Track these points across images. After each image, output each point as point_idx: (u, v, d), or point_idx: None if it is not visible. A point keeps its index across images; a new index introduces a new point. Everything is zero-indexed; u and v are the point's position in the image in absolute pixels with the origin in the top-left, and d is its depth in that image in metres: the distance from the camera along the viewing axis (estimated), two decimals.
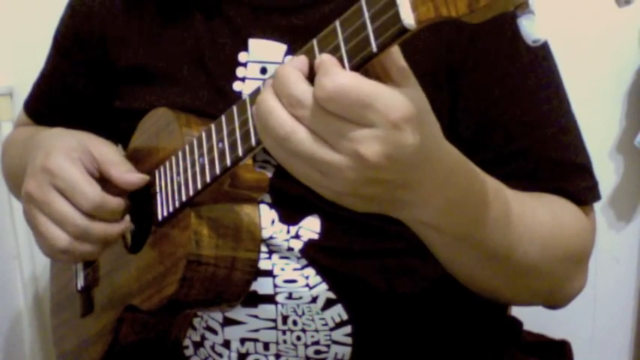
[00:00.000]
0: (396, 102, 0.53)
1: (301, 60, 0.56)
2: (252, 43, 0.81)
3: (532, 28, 0.48)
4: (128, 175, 0.81)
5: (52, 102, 1.01)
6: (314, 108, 0.53)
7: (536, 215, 0.74)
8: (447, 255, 0.72)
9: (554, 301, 0.81)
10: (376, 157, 0.53)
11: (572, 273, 0.79)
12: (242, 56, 0.81)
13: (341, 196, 0.58)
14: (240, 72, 0.81)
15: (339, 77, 0.52)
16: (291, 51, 0.79)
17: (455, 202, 0.63)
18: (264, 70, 0.80)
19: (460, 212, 0.64)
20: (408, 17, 0.50)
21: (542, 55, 0.81)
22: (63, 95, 0.99)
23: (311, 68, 0.56)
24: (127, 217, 0.82)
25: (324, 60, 0.54)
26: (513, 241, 0.70)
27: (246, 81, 0.81)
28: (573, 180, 0.79)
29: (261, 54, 0.80)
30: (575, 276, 0.79)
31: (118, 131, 0.91)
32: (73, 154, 0.79)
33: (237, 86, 0.81)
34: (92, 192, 0.77)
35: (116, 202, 0.79)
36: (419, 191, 0.59)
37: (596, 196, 0.81)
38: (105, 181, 0.80)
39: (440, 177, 0.60)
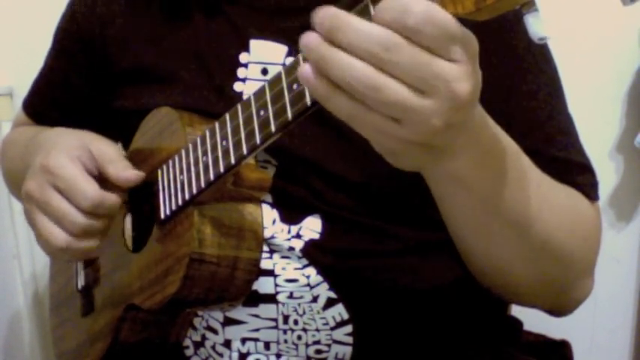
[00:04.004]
0: (470, 33, 0.51)
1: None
2: (254, 43, 0.81)
3: (538, 26, 0.48)
4: (124, 173, 0.80)
5: (50, 102, 1.01)
6: (398, 45, 0.50)
7: (554, 187, 0.74)
8: (470, 225, 0.72)
9: (562, 305, 0.81)
10: (469, 96, 0.51)
11: (585, 266, 0.79)
12: (243, 57, 0.81)
13: (407, 147, 0.55)
14: (241, 73, 0.81)
15: (425, 3, 0.49)
16: (292, 52, 0.79)
17: (485, 153, 0.63)
18: (265, 71, 0.80)
19: (489, 166, 0.64)
20: None
21: (541, 55, 0.81)
22: (62, 95, 0.98)
23: None
24: (122, 212, 0.82)
25: None
26: (533, 209, 0.70)
27: (247, 82, 0.81)
28: (578, 176, 0.79)
29: (262, 55, 0.80)
30: (585, 274, 0.80)
31: (118, 131, 0.91)
32: (73, 153, 0.79)
33: (238, 87, 0.81)
34: (91, 190, 0.77)
35: (115, 199, 0.79)
36: (462, 137, 0.58)
37: (598, 196, 0.82)
38: (104, 180, 0.80)
39: (477, 125, 0.60)
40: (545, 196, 0.72)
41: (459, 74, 0.51)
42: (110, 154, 0.82)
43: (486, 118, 0.63)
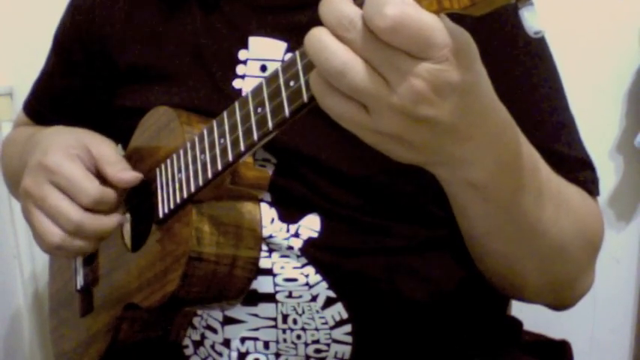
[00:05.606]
0: (455, 33, 0.51)
1: None
2: (252, 40, 0.81)
3: (533, 20, 0.49)
4: (123, 174, 0.80)
5: (51, 102, 1.01)
6: (367, 35, 0.50)
7: (569, 191, 0.75)
8: (484, 229, 0.72)
9: (564, 299, 0.81)
10: (428, 92, 0.51)
11: (590, 262, 0.79)
12: (242, 54, 0.81)
13: (385, 139, 0.55)
14: (240, 70, 0.81)
15: (402, 5, 0.48)
16: (291, 49, 0.79)
17: (505, 163, 0.62)
18: (264, 68, 0.80)
19: (509, 176, 0.64)
20: None
21: (541, 52, 0.81)
22: (62, 95, 0.99)
23: None
24: (121, 211, 0.82)
25: None
26: (552, 214, 0.70)
27: (246, 78, 0.81)
28: (581, 172, 0.80)
29: (261, 51, 0.80)
30: (589, 268, 0.80)
31: (118, 130, 0.91)
32: (71, 151, 0.80)
33: (237, 84, 0.81)
34: (92, 187, 0.78)
35: (114, 196, 0.79)
36: (469, 146, 0.57)
37: (599, 192, 0.82)
38: (101, 179, 0.80)
39: (492, 134, 0.59)
40: (562, 201, 0.72)
41: (420, 70, 0.50)
42: (109, 155, 0.82)
43: (505, 129, 0.62)
